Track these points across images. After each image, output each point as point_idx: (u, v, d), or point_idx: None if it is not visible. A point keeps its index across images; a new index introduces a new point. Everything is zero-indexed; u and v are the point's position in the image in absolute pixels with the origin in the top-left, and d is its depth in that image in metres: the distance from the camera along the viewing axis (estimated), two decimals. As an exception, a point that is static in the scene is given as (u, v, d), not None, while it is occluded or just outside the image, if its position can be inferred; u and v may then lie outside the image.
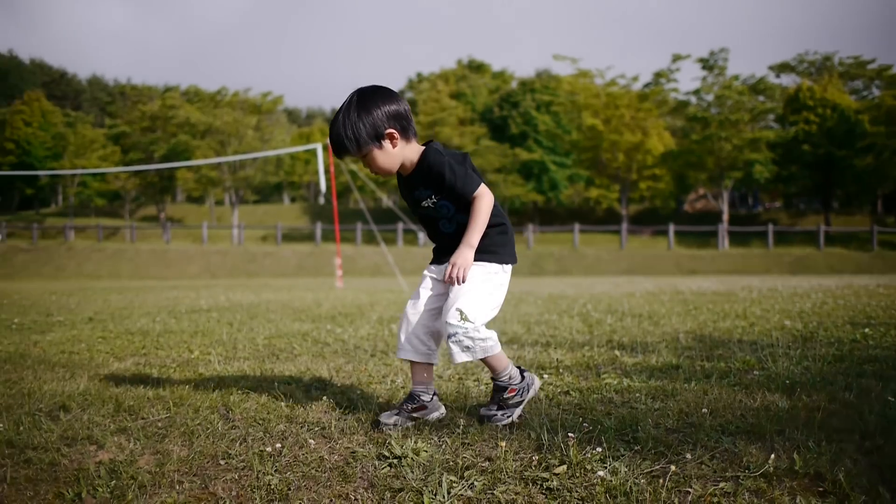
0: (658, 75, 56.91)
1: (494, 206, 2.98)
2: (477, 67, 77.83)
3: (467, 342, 2.87)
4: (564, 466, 2.45)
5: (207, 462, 2.71)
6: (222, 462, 2.71)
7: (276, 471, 2.62)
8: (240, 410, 3.40)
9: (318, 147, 17.25)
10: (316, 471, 2.60)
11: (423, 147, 2.99)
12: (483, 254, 2.97)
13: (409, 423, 3.01)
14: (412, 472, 2.50)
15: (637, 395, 3.43)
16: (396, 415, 3.03)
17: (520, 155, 59.46)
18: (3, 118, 73.78)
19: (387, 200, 25.32)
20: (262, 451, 2.80)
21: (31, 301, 12.44)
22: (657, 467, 2.40)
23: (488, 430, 2.88)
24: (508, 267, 3.07)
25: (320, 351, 5.33)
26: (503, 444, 2.66)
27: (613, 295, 11.60)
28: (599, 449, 2.58)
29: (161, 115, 64.70)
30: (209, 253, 44.19)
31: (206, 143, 60.51)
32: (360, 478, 2.53)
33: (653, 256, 41.64)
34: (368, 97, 2.90)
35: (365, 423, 3.06)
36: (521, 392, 3.04)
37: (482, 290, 2.93)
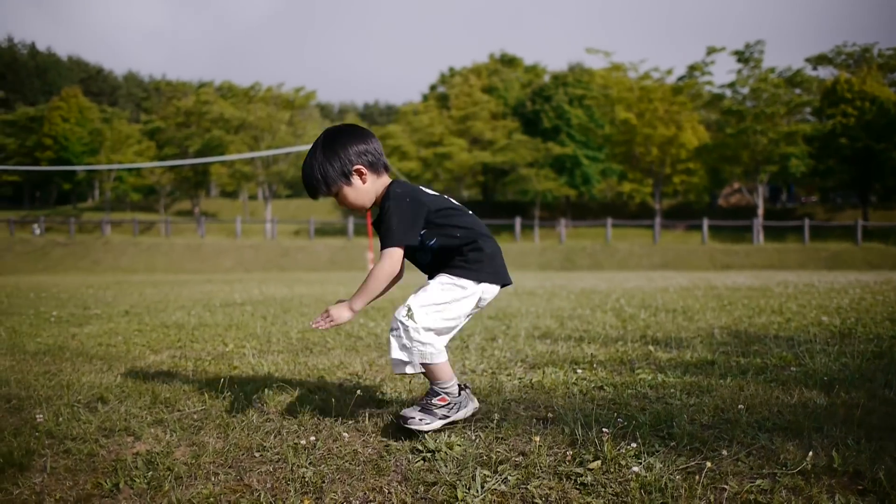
0: (692, 68, 56.29)
1: (472, 225, 2.95)
2: (509, 61, 77.53)
3: (405, 340, 2.80)
4: (599, 462, 2.43)
5: (242, 454, 2.74)
6: (257, 454, 2.73)
7: (310, 463, 2.63)
8: (274, 403, 3.43)
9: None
10: (350, 464, 2.61)
11: (389, 183, 2.99)
12: (453, 268, 2.92)
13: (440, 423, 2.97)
14: (446, 466, 2.50)
15: (672, 390, 3.40)
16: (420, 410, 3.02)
17: (552, 149, 59.19)
18: (41, 114, 74.92)
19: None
20: (296, 443, 2.81)
21: (68, 294, 12.62)
22: (692, 464, 2.38)
23: (522, 424, 2.87)
24: (480, 286, 2.92)
25: (353, 345, 5.35)
26: (537, 438, 2.65)
27: (647, 290, 11.53)
28: (634, 444, 2.56)
29: (195, 111, 65.24)
30: (242, 247, 44.53)
31: (240, 139, 60.97)
32: (393, 471, 2.54)
33: (686, 251, 41.27)
34: (334, 137, 2.96)
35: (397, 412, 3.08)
36: (451, 406, 2.88)
37: (438, 297, 2.86)
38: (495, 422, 2.92)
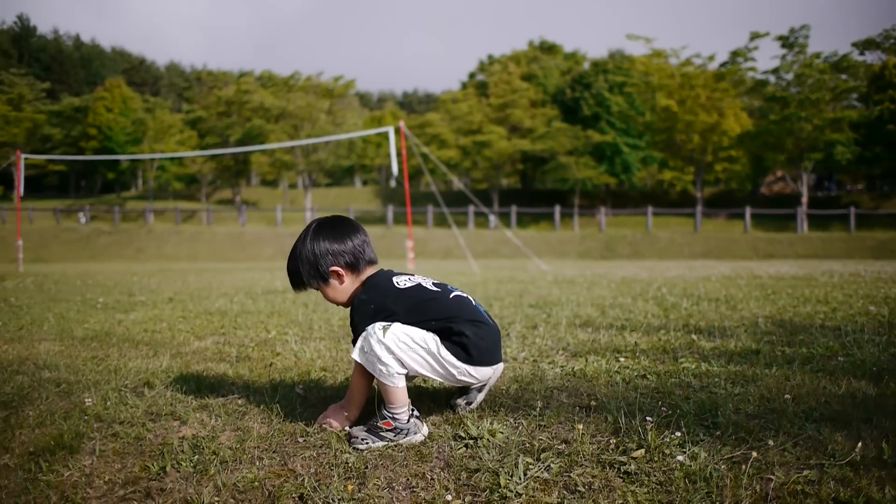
0: (735, 54, 55.47)
1: (450, 313, 2.83)
2: (549, 48, 77.10)
3: (366, 346, 2.73)
4: (642, 450, 2.41)
5: (286, 439, 2.76)
6: (300, 440, 2.76)
7: (353, 449, 2.65)
8: (317, 389, 3.46)
9: (391, 130, 17.33)
10: (392, 450, 2.62)
11: (364, 281, 2.95)
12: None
13: (380, 443, 2.78)
14: (488, 453, 2.50)
15: (716, 379, 3.36)
16: (367, 431, 2.88)
17: (592, 137, 58.85)
18: (86, 105, 76.16)
19: (458, 183, 25.31)
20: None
21: (113, 282, 12.83)
22: (738, 453, 2.36)
23: (564, 412, 2.86)
24: (462, 364, 2.81)
25: (392, 332, 5.38)
26: (580, 426, 2.64)
27: (688, 279, 11.42)
28: (678, 433, 2.54)
29: (236, 100, 65.86)
30: (283, 235, 44.91)
31: (280, 128, 61.44)
32: (436, 458, 2.54)
33: (728, 240, 40.83)
34: (316, 235, 2.92)
35: (440, 403, 3.08)
36: (396, 430, 2.73)
37: (417, 337, 2.76)
38: (538, 410, 2.91)
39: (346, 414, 2.88)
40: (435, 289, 2.91)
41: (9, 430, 2.95)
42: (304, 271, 2.92)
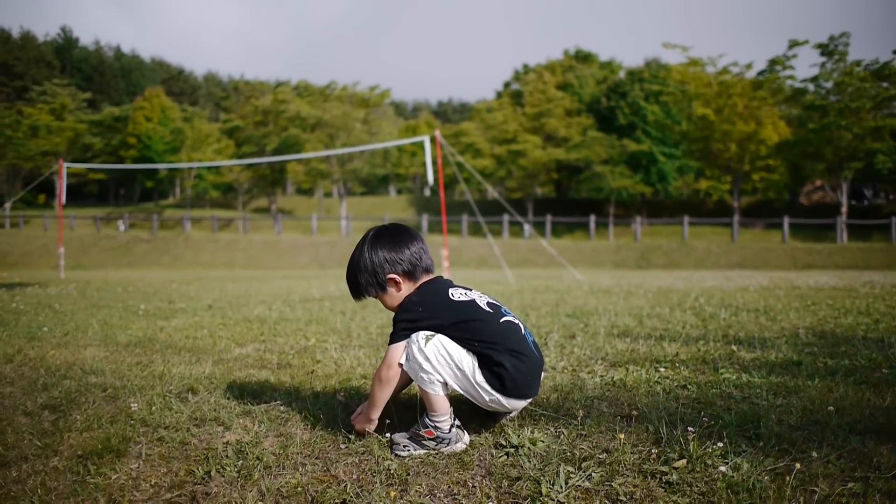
0: (773, 62, 54.81)
1: (495, 339, 2.79)
2: (584, 58, 76.89)
3: (410, 354, 2.74)
4: (684, 461, 2.41)
5: (328, 445, 2.80)
6: (342, 446, 2.79)
7: (394, 456, 2.68)
8: (358, 397, 3.49)
9: (426, 139, 17.38)
10: (434, 457, 2.64)
11: (420, 285, 2.95)
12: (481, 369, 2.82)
13: (422, 451, 2.82)
14: (529, 462, 2.51)
15: (757, 390, 3.33)
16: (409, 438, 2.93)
17: (628, 146, 58.53)
18: (125, 114, 77.33)
19: (492, 192, 25.26)
20: (380, 436, 2.86)
21: (153, 289, 13.01)
22: (781, 465, 2.34)
23: (605, 421, 2.86)
24: (495, 394, 2.78)
25: (431, 340, 5.40)
26: (621, 436, 2.64)
27: (726, 289, 11.32)
28: (720, 444, 2.53)
29: (273, 110, 66.40)
30: (318, 244, 45.19)
31: (316, 137, 61.85)
32: (477, 465, 2.56)
33: (765, 250, 40.36)
34: (374, 244, 2.94)
35: (480, 412, 3.09)
36: (437, 440, 2.73)
37: (457, 356, 2.77)
38: (579, 419, 2.91)
39: (371, 422, 2.89)
40: (487, 309, 2.88)
41: (57, 433, 3.02)
42: (363, 280, 2.94)
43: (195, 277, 20.40)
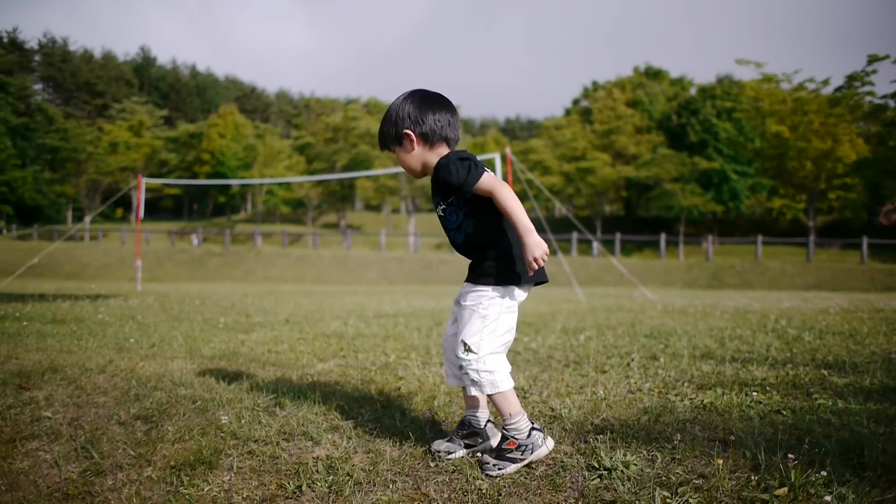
0: (851, 78, 53.44)
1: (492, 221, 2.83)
2: (654, 74, 76.19)
3: (473, 375, 2.75)
4: (785, 489, 2.34)
5: (418, 463, 2.79)
6: (432, 464, 2.79)
7: (486, 475, 2.66)
8: (444, 414, 3.48)
9: (496, 157, 17.37)
10: (525, 478, 2.62)
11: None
12: (482, 277, 2.82)
13: (463, 451, 2.91)
14: (623, 485, 2.47)
15: (857, 417, 3.22)
16: (448, 441, 2.95)
17: (699, 164, 57.68)
18: (200, 131, 79.24)
19: (561, 208, 25.13)
20: (471, 455, 2.85)
21: (229, 302, 13.24)
22: (888, 496, 2.26)
23: (699, 446, 2.79)
24: (513, 288, 2.82)
25: (513, 359, 5.36)
26: (719, 461, 2.58)
27: (805, 311, 11.02)
28: (823, 473, 2.45)
29: (343, 127, 67.40)
30: (386, 259, 45.50)
31: (385, 154, 62.30)
32: (569, 487, 2.53)
33: (843, 271, 39.18)
34: (405, 99, 2.95)
35: (571, 433, 3.05)
36: (521, 448, 2.74)
37: (485, 319, 2.78)
38: (675, 442, 2.85)
39: (530, 231, 2.73)
40: None
41: (150, 443, 3.08)
42: (385, 129, 2.97)
43: (267, 291, 20.72)
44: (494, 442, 2.94)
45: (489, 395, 2.79)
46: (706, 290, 29.95)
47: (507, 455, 2.72)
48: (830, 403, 3.53)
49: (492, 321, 2.78)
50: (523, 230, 2.68)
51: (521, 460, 2.71)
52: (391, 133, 2.95)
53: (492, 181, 2.74)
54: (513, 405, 2.78)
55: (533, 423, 2.78)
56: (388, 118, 2.96)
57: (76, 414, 3.47)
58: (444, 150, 2.92)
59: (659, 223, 62.45)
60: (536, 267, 2.69)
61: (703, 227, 62.45)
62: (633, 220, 66.60)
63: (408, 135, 2.90)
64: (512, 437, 2.74)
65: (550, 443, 2.80)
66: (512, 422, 2.75)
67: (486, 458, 2.77)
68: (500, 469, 2.69)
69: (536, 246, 2.67)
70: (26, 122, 74.80)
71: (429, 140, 2.91)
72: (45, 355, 4.98)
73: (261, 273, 42.83)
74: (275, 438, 3.08)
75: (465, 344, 2.77)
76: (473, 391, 2.80)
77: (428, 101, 2.93)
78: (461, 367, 2.79)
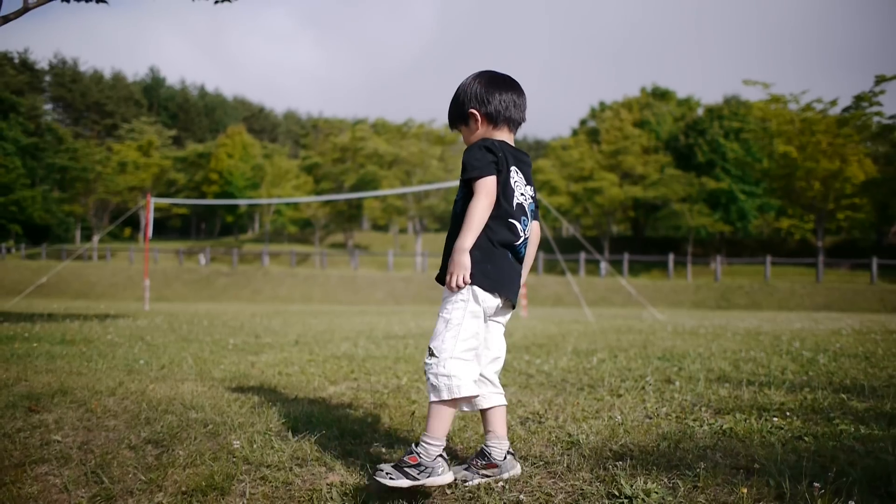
0: (859, 98, 53.41)
1: (504, 239, 2.83)
2: (661, 95, 76.24)
3: (432, 379, 2.70)
4: (813, 518, 2.29)
5: (435, 490, 2.74)
6: (448, 491, 2.74)
7: (502, 502, 2.61)
8: (460, 440, 3.43)
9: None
10: (546, 506, 2.57)
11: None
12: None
13: (479, 479, 2.83)
14: (645, 515, 2.42)
15: (881, 444, 3.15)
16: (465, 469, 2.90)
17: (706, 184, 57.63)
18: (208, 151, 79.51)
19: (569, 228, 25.08)
20: (487, 483, 2.80)
21: (238, 322, 13.21)
22: (920, 527, 2.20)
23: (721, 473, 2.73)
24: (478, 293, 2.77)
25: (526, 382, 5.31)
26: (744, 490, 2.52)
27: (817, 332, 10.93)
28: (851, 502, 2.39)
29: (351, 147, 67.50)
30: (394, 280, 45.43)
31: (393, 174, 62.56)
32: (591, 516, 2.48)
33: (853, 291, 38.98)
34: (475, 78, 2.97)
35: (589, 460, 3.00)
36: (420, 468, 2.64)
37: (448, 322, 2.76)
38: (700, 470, 2.77)
39: (462, 251, 2.75)
40: (521, 230, 2.90)
41: (161, 468, 3.03)
42: (452, 107, 2.99)
43: (276, 312, 20.69)
44: (514, 473, 2.87)
45: (430, 402, 2.74)
46: (715, 311, 29.82)
47: (405, 468, 2.64)
48: (853, 429, 3.47)
49: (455, 325, 2.75)
50: (459, 244, 2.72)
51: (416, 480, 2.61)
52: (457, 112, 2.97)
53: (482, 186, 2.75)
54: (441, 427, 2.72)
55: (442, 453, 2.71)
56: (456, 97, 2.99)
57: (86, 437, 3.42)
58: (504, 133, 2.95)
59: (667, 243, 62.33)
60: (447, 283, 2.75)
61: (711, 247, 62.29)
62: (640, 241, 66.48)
63: (473, 114, 2.92)
64: (417, 452, 2.68)
65: (450, 476, 2.70)
66: (428, 440, 2.70)
67: (384, 465, 2.69)
68: (392, 479, 2.60)
69: (458, 265, 2.71)
70: (36, 141, 75.23)
71: (493, 120, 2.92)
72: (54, 377, 4.94)
73: (268, 293, 42.80)
74: (287, 464, 3.04)
75: (429, 348, 2.76)
76: (432, 397, 2.72)
77: (495, 82, 2.95)
78: (425, 371, 2.76)
